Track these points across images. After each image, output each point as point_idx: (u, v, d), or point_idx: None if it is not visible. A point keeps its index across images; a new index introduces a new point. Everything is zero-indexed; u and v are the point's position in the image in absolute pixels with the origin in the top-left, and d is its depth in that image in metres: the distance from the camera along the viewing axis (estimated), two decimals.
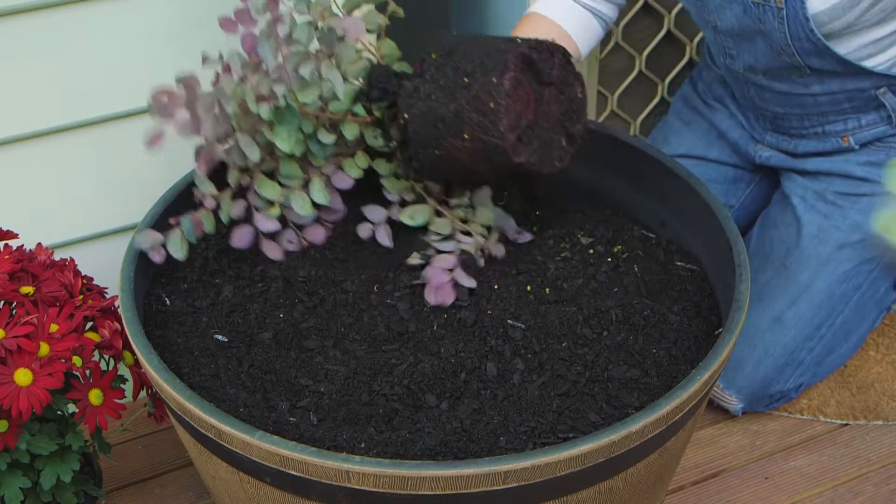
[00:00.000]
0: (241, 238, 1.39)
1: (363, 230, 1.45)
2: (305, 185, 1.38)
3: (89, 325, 1.44)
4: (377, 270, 1.43)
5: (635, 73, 2.16)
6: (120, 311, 1.33)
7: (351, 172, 1.40)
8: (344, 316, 1.38)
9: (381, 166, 1.44)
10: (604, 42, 2.05)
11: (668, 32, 2.15)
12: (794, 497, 1.66)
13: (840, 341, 1.76)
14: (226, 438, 1.17)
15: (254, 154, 1.33)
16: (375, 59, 1.41)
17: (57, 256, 1.48)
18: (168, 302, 1.42)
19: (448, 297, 1.35)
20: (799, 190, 1.76)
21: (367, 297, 1.40)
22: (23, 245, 1.48)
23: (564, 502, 1.19)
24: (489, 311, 1.37)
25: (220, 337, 1.36)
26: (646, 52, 2.15)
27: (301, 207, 1.37)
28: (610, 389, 1.28)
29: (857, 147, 1.69)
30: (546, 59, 1.26)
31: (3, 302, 1.36)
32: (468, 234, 1.43)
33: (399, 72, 1.36)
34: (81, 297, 1.44)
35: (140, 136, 1.65)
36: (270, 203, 1.38)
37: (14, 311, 1.36)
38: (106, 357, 1.44)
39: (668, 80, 2.21)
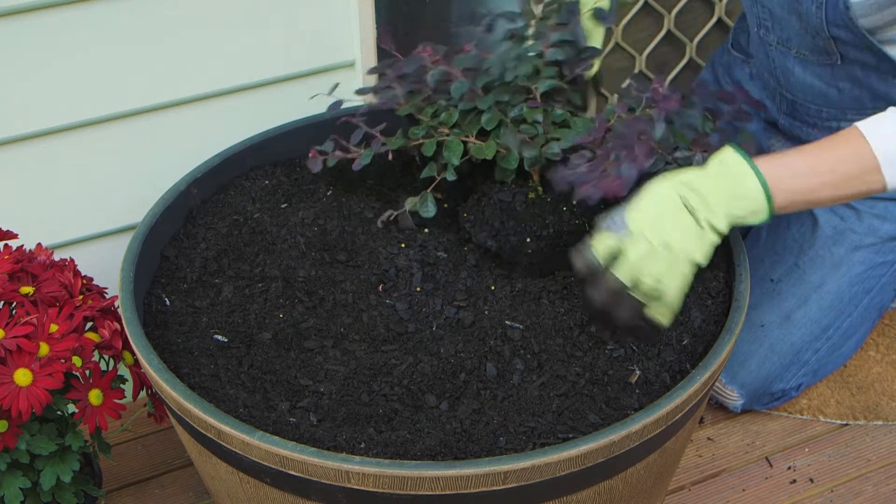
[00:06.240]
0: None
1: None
2: None
3: (89, 325, 1.43)
4: (377, 272, 1.43)
5: (635, 73, 2.16)
6: (120, 311, 1.33)
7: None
8: (344, 316, 1.38)
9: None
10: (604, 42, 2.05)
11: (668, 32, 2.15)
12: (794, 497, 1.66)
13: (843, 343, 1.76)
14: (226, 438, 1.17)
15: None
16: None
17: (57, 256, 1.48)
18: (168, 302, 1.42)
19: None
20: None
21: (366, 297, 1.40)
22: (23, 245, 1.48)
23: (564, 502, 1.19)
24: (486, 312, 1.37)
25: (219, 337, 1.36)
26: (646, 53, 2.15)
27: None
28: (609, 390, 1.27)
29: None
30: None
31: (3, 302, 1.36)
32: None
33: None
34: (81, 297, 1.44)
35: (140, 135, 1.65)
36: None
37: (14, 311, 1.36)
38: (106, 357, 1.44)
39: (668, 80, 2.21)
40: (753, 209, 1.25)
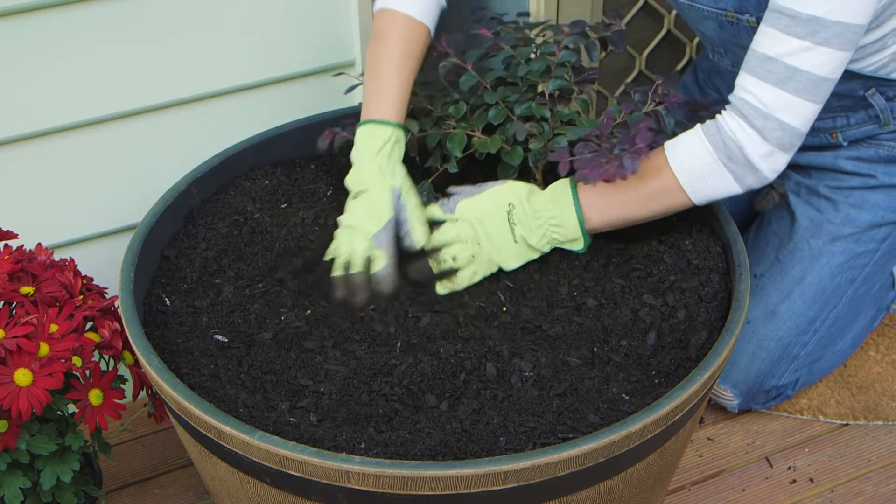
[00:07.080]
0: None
1: None
2: None
3: (89, 325, 1.44)
4: None
5: (635, 73, 2.16)
6: (120, 311, 1.33)
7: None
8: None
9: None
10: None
11: (668, 32, 2.15)
12: (794, 497, 1.66)
13: (835, 337, 1.76)
14: (226, 438, 1.17)
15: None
16: None
17: (57, 256, 1.48)
18: (168, 302, 1.42)
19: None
20: (792, 185, 1.77)
21: None
22: (23, 245, 1.48)
23: (564, 502, 1.19)
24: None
25: (220, 337, 1.36)
26: (646, 52, 2.15)
27: None
28: (610, 390, 1.28)
29: (845, 144, 1.70)
30: None
31: (3, 302, 1.36)
32: None
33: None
34: (81, 297, 1.44)
35: (139, 135, 1.65)
36: None
37: (14, 311, 1.36)
38: (106, 357, 1.44)
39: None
40: (569, 237, 1.38)
